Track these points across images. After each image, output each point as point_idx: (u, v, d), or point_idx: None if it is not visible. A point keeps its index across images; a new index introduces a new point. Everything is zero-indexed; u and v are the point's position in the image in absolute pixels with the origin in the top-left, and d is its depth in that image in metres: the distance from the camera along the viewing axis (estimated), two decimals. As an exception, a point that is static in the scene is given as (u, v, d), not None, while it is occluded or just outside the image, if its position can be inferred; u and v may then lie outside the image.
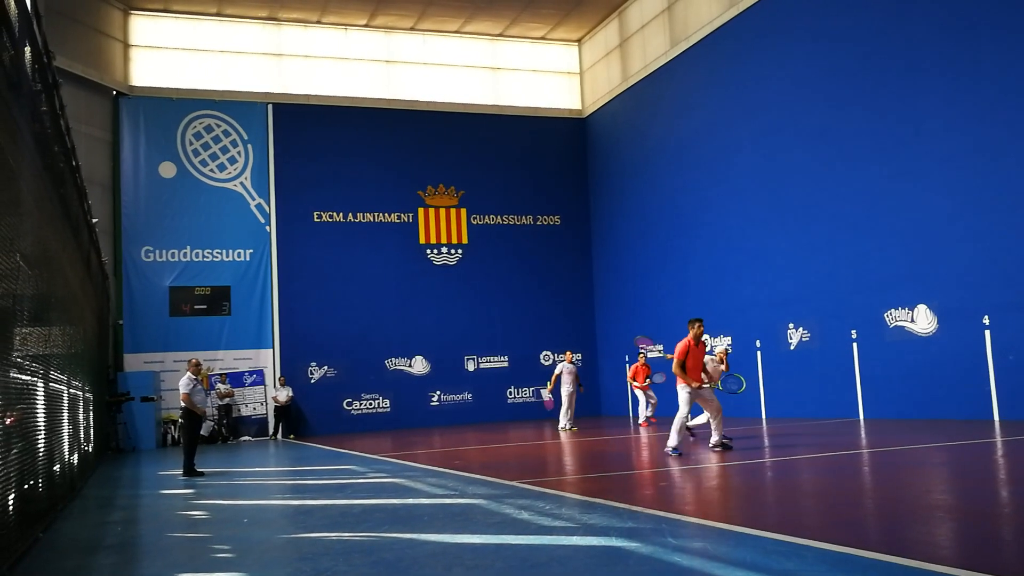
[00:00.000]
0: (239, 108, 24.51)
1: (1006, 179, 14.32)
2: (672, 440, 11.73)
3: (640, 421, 19.36)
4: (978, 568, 4.62)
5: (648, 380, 19.28)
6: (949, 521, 6.27)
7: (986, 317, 14.51)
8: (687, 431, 13.21)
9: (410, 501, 8.86)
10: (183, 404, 13.30)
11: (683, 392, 11.89)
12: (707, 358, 12.62)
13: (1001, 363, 14.25)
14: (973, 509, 6.70)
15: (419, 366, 25.31)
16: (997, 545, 5.46)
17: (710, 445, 12.06)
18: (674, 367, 11.90)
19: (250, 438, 23.23)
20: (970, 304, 14.79)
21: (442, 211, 26.06)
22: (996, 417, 14.24)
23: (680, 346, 11.97)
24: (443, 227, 26.01)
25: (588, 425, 20.32)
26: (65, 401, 10.08)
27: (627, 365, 24.84)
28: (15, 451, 6.27)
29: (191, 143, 24.00)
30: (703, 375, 12.21)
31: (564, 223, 27.26)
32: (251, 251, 24.11)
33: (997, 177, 14.48)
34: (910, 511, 6.77)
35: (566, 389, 19.20)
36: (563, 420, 19.31)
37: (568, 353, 20.10)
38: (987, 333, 14.48)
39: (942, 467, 9.58)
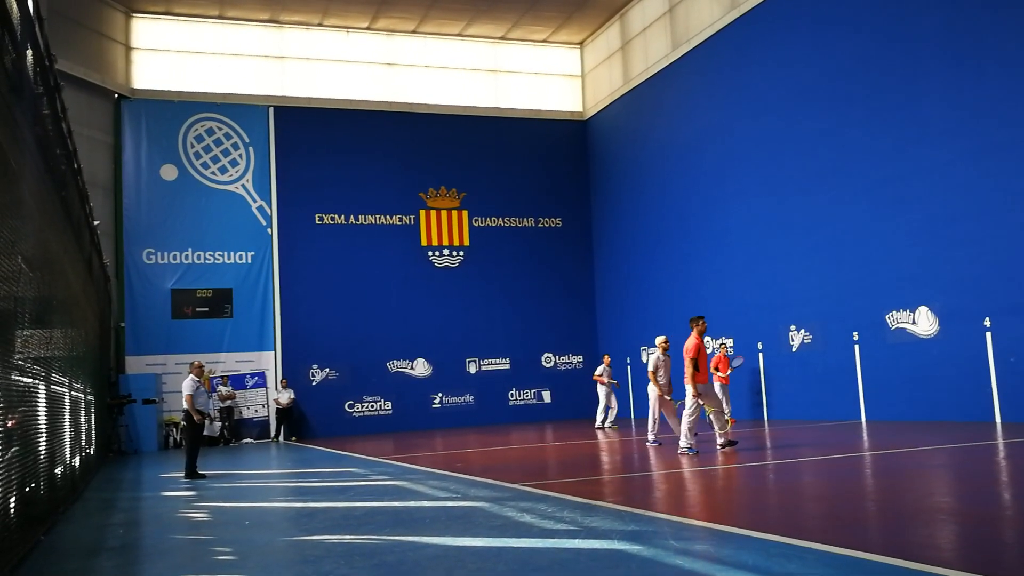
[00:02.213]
0: (241, 111, 24.53)
1: (1007, 181, 14.31)
2: (684, 440, 12.11)
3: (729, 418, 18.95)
4: (980, 571, 4.61)
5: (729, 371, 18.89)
6: (951, 524, 6.27)
7: (988, 319, 14.50)
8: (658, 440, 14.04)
9: (412, 504, 8.86)
10: (186, 406, 13.30)
11: (693, 391, 12.14)
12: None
13: (1003, 365, 14.23)
14: (975, 512, 6.69)
15: (421, 368, 25.30)
16: (999, 548, 5.46)
17: (684, 448, 12.16)
18: (690, 370, 12.13)
19: (252, 440, 23.23)
20: (972, 306, 14.78)
21: (444, 213, 26.07)
22: (998, 419, 14.22)
23: (692, 344, 12.24)
24: (445, 229, 26.01)
25: (577, 428, 20.30)
26: (67, 403, 10.08)
27: (628, 367, 24.85)
28: (16, 453, 6.27)
29: (193, 145, 24.02)
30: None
31: (565, 225, 27.25)
32: (253, 253, 24.12)
33: (999, 179, 14.47)
34: (912, 514, 6.76)
35: (603, 389, 19.76)
36: (599, 419, 19.70)
37: (606, 356, 20.58)
38: (988, 335, 14.47)
39: (944, 469, 9.57)
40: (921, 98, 15.89)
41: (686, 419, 12.14)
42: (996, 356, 14.33)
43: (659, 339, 13.87)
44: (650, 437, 14.05)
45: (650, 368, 13.78)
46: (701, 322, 12.52)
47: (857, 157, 17.23)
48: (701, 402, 12.16)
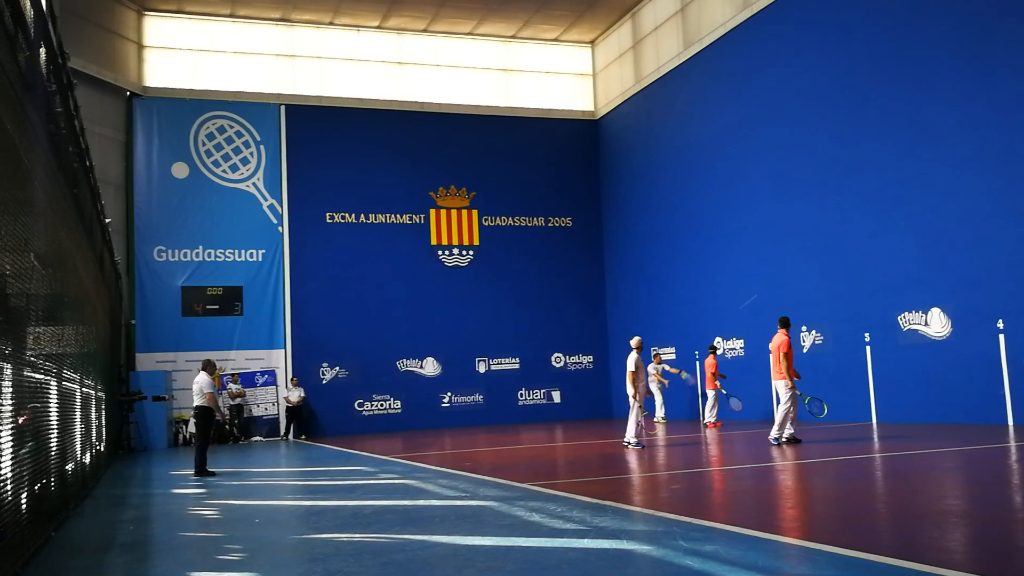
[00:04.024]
0: (252, 109, 24.59)
1: (1020, 182, 14.23)
2: (786, 430, 13.17)
3: (714, 421, 18.98)
4: (991, 574, 4.59)
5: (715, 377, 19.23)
6: (962, 526, 6.23)
7: (1000, 321, 14.42)
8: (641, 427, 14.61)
9: (421, 502, 8.86)
10: (206, 404, 13.29)
11: (786, 386, 13.16)
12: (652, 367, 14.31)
13: (1015, 367, 14.15)
14: (986, 514, 6.65)
15: (430, 367, 25.32)
16: (1010, 551, 5.42)
17: (784, 440, 13.10)
18: (785, 365, 13.17)
19: (261, 438, 23.29)
20: (984, 308, 14.70)
21: (454, 212, 26.08)
22: (1010, 421, 14.14)
23: (786, 342, 13.26)
24: (455, 228, 26.03)
25: (587, 428, 20.28)
26: (78, 400, 10.12)
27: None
28: (28, 450, 6.29)
29: (204, 144, 24.10)
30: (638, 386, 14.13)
31: (576, 225, 27.23)
32: (263, 251, 24.18)
33: (1011, 180, 14.39)
34: (923, 516, 6.73)
35: (656, 386, 20.45)
36: (659, 414, 20.51)
37: (656, 357, 21.25)
38: (1001, 337, 14.39)
39: (955, 471, 9.53)
40: (933, 99, 15.81)
41: (783, 411, 13.09)
42: (1008, 358, 14.25)
43: (634, 340, 14.52)
44: (632, 440, 13.87)
45: (631, 368, 14.08)
46: (788, 322, 13.62)
47: (869, 158, 17.16)
48: (798, 393, 13.29)
